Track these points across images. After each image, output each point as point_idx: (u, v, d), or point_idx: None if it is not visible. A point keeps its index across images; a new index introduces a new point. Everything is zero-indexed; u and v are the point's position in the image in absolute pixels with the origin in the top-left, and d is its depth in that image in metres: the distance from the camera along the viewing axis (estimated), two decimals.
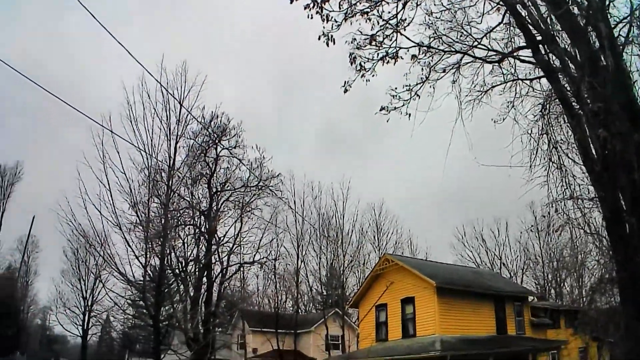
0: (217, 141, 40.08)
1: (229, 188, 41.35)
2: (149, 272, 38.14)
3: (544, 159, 17.24)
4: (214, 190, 40.56)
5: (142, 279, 37.71)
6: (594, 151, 13.55)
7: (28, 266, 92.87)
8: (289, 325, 53.76)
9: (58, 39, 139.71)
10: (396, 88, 16.79)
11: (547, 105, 17.21)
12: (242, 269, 44.50)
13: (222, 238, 40.40)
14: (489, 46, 16.72)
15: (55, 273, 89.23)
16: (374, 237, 67.66)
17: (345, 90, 16.54)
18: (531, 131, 17.53)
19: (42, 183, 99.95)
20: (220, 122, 40.42)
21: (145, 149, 37.09)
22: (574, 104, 14.29)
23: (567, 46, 14.52)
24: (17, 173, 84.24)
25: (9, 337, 76.21)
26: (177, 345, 45.60)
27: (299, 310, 62.50)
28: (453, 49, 16.76)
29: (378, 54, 16.15)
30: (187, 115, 38.30)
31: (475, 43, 16.73)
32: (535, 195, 17.53)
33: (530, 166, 17.22)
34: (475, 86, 17.58)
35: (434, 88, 17.01)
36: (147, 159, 36.58)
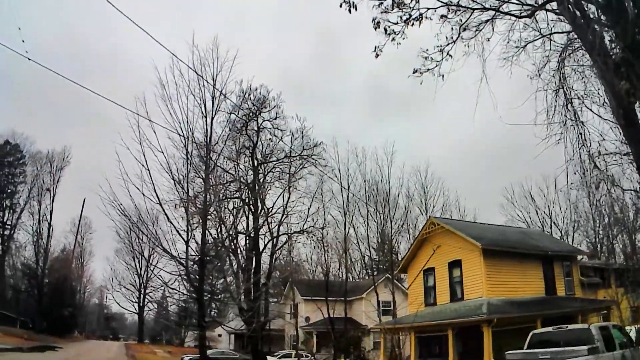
0: (257, 113, 40.23)
1: (272, 160, 41.69)
2: (192, 247, 38.78)
3: (562, 114, 16.89)
4: (258, 162, 40.87)
5: (191, 254, 38.34)
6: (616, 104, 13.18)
7: (82, 247, 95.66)
8: (340, 293, 53.97)
9: (94, 20, 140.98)
10: (427, 49, 16.54)
11: (562, 61, 16.79)
12: (291, 239, 44.52)
13: (270, 209, 40.86)
14: (520, 0, 16.28)
15: (110, 252, 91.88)
16: (421, 200, 67.15)
17: (377, 55, 16.35)
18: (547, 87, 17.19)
19: (91, 165, 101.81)
20: (260, 93, 40.52)
21: (181, 126, 37.43)
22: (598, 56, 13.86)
23: None
24: (66, 157, 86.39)
25: (67, 317, 78.70)
26: (232, 317, 46.52)
27: (350, 278, 62.82)
28: (482, 6, 16.36)
29: (402, 18, 15.87)
30: (222, 90, 38.48)
31: None
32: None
33: (549, 123, 16.91)
34: (509, 43, 17.19)
35: (468, 47, 16.71)
36: (184, 138, 36.95)
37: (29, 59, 13.80)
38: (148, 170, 35.46)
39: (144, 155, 35.39)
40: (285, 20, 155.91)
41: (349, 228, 56.43)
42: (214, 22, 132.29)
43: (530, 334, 21.43)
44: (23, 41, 13.75)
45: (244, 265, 38.33)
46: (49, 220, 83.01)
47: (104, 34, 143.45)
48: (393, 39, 16.04)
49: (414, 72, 16.63)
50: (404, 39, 16.09)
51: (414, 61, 16.62)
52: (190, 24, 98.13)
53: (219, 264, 40.01)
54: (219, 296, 47.25)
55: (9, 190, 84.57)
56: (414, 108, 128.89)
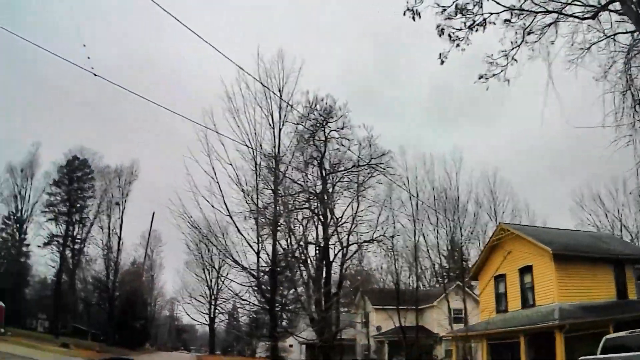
0: (324, 124, 40.63)
1: (340, 169, 41.90)
2: (263, 258, 39.26)
3: (630, 116, 16.69)
4: (326, 172, 41.19)
5: (262, 265, 38.94)
6: None
7: (152, 260, 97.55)
8: (411, 301, 53.77)
9: (160, 36, 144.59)
10: (492, 55, 16.69)
11: (629, 62, 16.61)
12: (360, 248, 44.59)
13: (339, 219, 41.13)
14: (582, 1, 16.28)
15: (180, 265, 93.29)
16: (490, 206, 66.17)
17: (442, 62, 16.64)
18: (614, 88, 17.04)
19: (159, 179, 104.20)
20: (326, 103, 40.92)
21: (249, 138, 38.19)
22: None
23: None
24: (134, 172, 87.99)
25: (138, 329, 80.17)
26: (303, 327, 46.85)
27: (421, 286, 62.52)
28: (545, 9, 16.42)
29: (465, 24, 16.09)
30: (289, 101, 39.09)
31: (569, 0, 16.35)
32: None
33: (617, 126, 16.76)
34: (573, 45, 17.17)
35: (532, 50, 16.79)
36: (252, 149, 37.71)
37: (95, 75, 14.53)
38: (217, 182, 36.81)
39: (213, 168, 36.76)
40: (348, 29, 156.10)
41: (418, 236, 56.25)
42: (278, 34, 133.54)
43: (604, 339, 21.15)
44: (89, 57, 14.49)
45: (314, 275, 38.70)
46: (118, 234, 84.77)
47: (170, 49, 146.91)
48: (457, 45, 16.32)
49: (479, 78, 16.85)
50: (468, 44, 16.36)
51: (479, 66, 16.82)
52: (254, 37, 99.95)
53: (289, 275, 40.56)
54: (290, 307, 47.66)
55: (79, 205, 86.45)
56: (480, 113, 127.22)
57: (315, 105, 40.35)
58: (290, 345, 73.87)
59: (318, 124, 40.42)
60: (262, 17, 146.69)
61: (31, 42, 14.57)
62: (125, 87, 16.14)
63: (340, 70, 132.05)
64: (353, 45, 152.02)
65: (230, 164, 36.83)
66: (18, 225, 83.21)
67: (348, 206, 41.61)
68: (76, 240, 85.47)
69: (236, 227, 36.47)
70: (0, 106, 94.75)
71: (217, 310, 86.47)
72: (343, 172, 41.95)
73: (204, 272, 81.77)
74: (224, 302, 68.38)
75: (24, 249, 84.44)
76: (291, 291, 44.39)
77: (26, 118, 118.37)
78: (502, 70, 16.70)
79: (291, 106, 39.29)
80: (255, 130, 38.58)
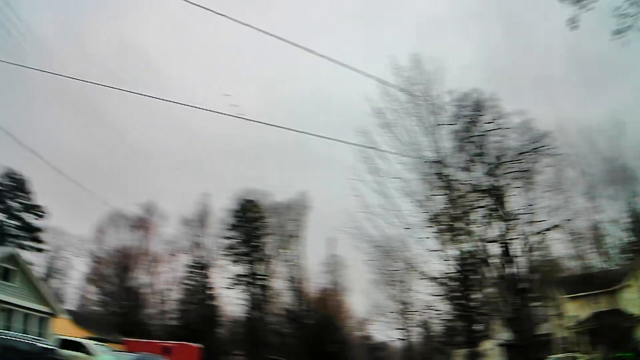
0: (477, 118, 39.61)
1: (505, 160, 40.55)
2: (449, 264, 38.52)
3: None
4: (491, 166, 39.98)
5: (445, 273, 38.26)
6: None
7: (338, 284, 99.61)
8: (601, 284, 50.66)
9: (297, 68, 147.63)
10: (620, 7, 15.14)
11: None
12: (542, 236, 42.63)
13: (513, 211, 39.63)
14: None
15: (366, 284, 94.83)
16: None
17: (573, 28, 15.44)
18: None
19: (331, 206, 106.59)
20: (474, 97, 40.08)
21: (409, 149, 37.90)
22: None
23: None
24: (306, 203, 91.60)
25: (334, 353, 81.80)
26: (498, 329, 45.42)
27: (607, 266, 59.05)
28: None
29: None
30: (438, 103, 38.48)
31: None
32: None
33: None
34: None
35: None
36: (415, 159, 37.33)
37: (246, 119, 14.64)
38: (389, 198, 36.60)
39: (382, 185, 36.65)
40: (473, 13, 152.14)
41: (597, 213, 53.20)
42: (408, 38, 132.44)
43: None
44: (235, 105, 14.66)
45: (500, 273, 37.57)
46: (301, 264, 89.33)
47: (309, 78, 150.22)
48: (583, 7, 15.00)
49: (615, 34, 15.27)
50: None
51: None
52: (385, 47, 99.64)
53: (475, 277, 39.54)
54: (482, 309, 46.57)
55: (258, 244, 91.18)
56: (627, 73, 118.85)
57: (464, 102, 39.53)
58: (487, 349, 72.17)
59: (472, 120, 39.43)
60: (389, 25, 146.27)
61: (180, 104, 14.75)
62: (277, 125, 16.07)
63: (476, 59, 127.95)
64: (480, 29, 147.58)
65: (397, 178, 36.63)
66: (203, 271, 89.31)
67: (520, 196, 40.18)
68: (261, 277, 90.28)
69: (415, 238, 36.11)
70: (171, 165, 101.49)
71: (409, 324, 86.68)
72: (508, 162, 40.54)
73: (391, 288, 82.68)
74: (416, 314, 68.41)
75: (212, 292, 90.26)
76: (480, 294, 43.21)
77: (193, 171, 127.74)
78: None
79: (441, 108, 38.59)
80: (413, 139, 38.14)
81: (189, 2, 18.25)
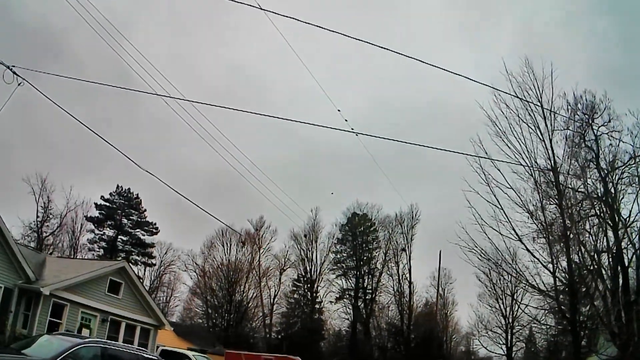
0: (590, 121, 37.72)
1: (619, 165, 38.42)
2: (558, 276, 36.95)
3: None
4: (604, 172, 37.95)
5: (554, 285, 36.74)
6: None
7: (444, 298, 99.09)
8: None
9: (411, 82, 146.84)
10: None
11: None
12: None
13: (627, 219, 37.47)
14: None
15: (473, 299, 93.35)
16: None
17: None
18: None
19: (441, 218, 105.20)
20: (586, 100, 37.60)
21: (522, 157, 36.75)
22: None
23: None
24: (415, 216, 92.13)
25: None
26: (603, 344, 43.03)
27: None
28: None
29: None
30: (551, 108, 37.01)
31: None
32: None
33: None
34: None
35: None
36: (529, 167, 36.11)
37: (357, 134, 14.01)
38: (501, 208, 35.65)
39: (495, 195, 35.80)
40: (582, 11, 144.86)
41: None
42: (516, 44, 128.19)
43: None
44: (346, 120, 14.18)
45: (610, 285, 35.64)
46: (408, 278, 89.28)
47: (422, 89, 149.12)
48: None
49: None
50: None
51: None
52: (495, 52, 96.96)
53: (585, 290, 37.68)
54: (588, 323, 44.49)
55: (366, 258, 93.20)
56: None
57: (577, 105, 37.83)
58: None
59: (585, 124, 37.61)
60: (498, 31, 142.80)
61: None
62: (388, 137, 15.34)
63: (588, 56, 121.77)
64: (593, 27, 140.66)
65: (511, 187, 35.57)
66: (309, 285, 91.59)
67: (634, 202, 37.96)
68: (367, 291, 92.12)
69: (527, 249, 34.82)
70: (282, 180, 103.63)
71: (514, 339, 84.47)
72: (622, 167, 38.34)
73: (498, 302, 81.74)
74: (522, 328, 66.49)
75: (317, 306, 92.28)
76: (587, 307, 41.16)
77: (304, 186, 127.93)
78: None
79: (555, 113, 37.09)
80: (526, 147, 36.91)
81: (298, 19, 17.84)
